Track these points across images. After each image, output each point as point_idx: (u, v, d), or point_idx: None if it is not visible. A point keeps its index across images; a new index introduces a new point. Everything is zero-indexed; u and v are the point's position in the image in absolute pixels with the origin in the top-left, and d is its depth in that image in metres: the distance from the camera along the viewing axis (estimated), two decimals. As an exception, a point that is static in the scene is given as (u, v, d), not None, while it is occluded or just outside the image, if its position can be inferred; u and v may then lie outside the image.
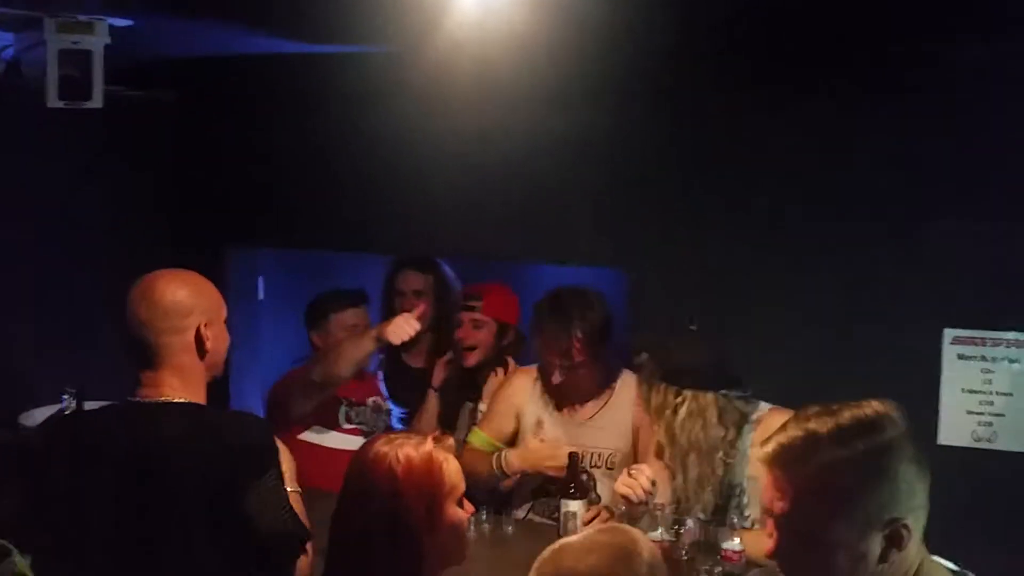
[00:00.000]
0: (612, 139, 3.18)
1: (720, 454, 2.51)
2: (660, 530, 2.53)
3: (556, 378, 2.88)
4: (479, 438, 3.07)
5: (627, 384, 2.97)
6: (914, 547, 1.37)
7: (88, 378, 2.93)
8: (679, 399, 2.49)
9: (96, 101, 2.71)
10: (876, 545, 1.35)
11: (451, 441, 1.81)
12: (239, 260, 4.01)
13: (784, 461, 1.39)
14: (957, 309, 2.87)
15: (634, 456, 2.93)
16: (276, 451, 1.90)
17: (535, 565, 1.44)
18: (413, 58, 2.82)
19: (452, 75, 2.96)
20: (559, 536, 2.61)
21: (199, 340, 1.91)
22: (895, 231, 2.91)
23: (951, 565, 1.46)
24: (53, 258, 3.39)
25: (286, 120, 3.58)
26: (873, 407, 1.40)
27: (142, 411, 1.87)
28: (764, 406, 2.57)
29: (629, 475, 2.55)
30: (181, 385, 1.89)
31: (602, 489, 2.92)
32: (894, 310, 2.89)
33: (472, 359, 3.29)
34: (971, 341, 2.87)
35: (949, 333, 2.88)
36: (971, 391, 2.88)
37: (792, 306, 3.02)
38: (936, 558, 1.44)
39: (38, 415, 2.96)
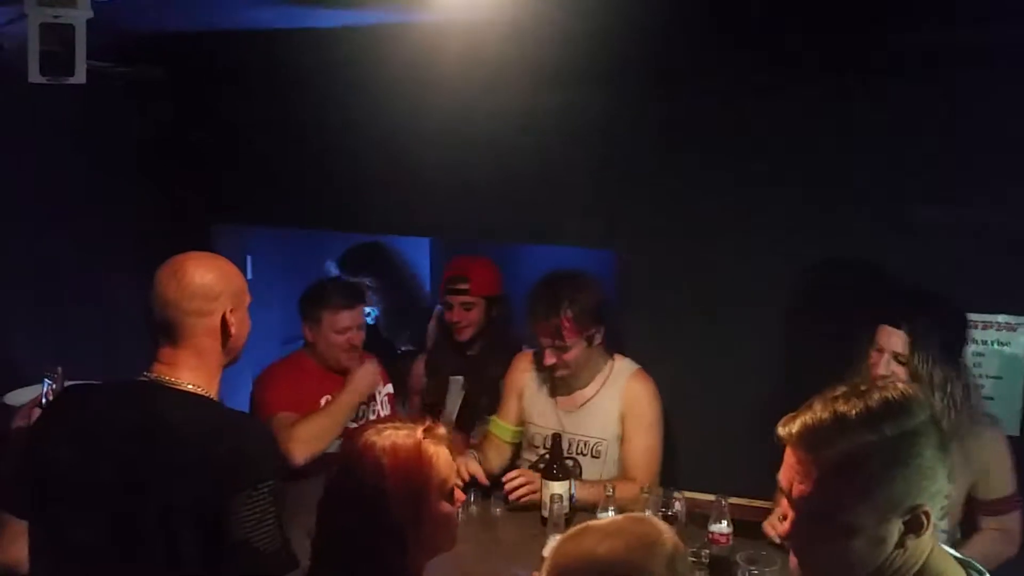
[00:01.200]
0: (603, 119, 3.15)
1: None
2: (648, 512, 2.53)
3: (548, 358, 2.88)
4: (498, 427, 3.10)
5: (619, 371, 2.98)
6: (928, 533, 1.36)
7: (76, 357, 2.90)
8: (955, 371, 2.45)
9: (79, 77, 2.64)
10: (895, 531, 1.33)
11: (442, 430, 1.76)
12: (227, 238, 3.98)
13: (809, 442, 1.36)
14: (949, 292, 2.86)
15: (620, 445, 2.94)
16: (272, 465, 1.82)
17: (556, 544, 1.41)
18: (402, 34, 2.78)
19: (442, 53, 2.93)
20: (543, 518, 2.66)
21: (224, 325, 1.92)
22: (885, 215, 2.90)
23: (955, 553, 1.44)
24: (38, 237, 3.35)
25: (273, 98, 3.55)
26: (900, 389, 1.38)
27: (153, 392, 1.86)
28: None
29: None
30: (197, 365, 1.90)
31: (588, 475, 2.93)
32: (885, 292, 2.87)
33: (466, 334, 3.39)
34: (987, 326, 2.85)
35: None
36: (986, 376, 2.87)
37: (784, 290, 3.02)
38: (942, 546, 1.43)
39: (23, 395, 2.93)
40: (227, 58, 3.50)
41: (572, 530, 1.43)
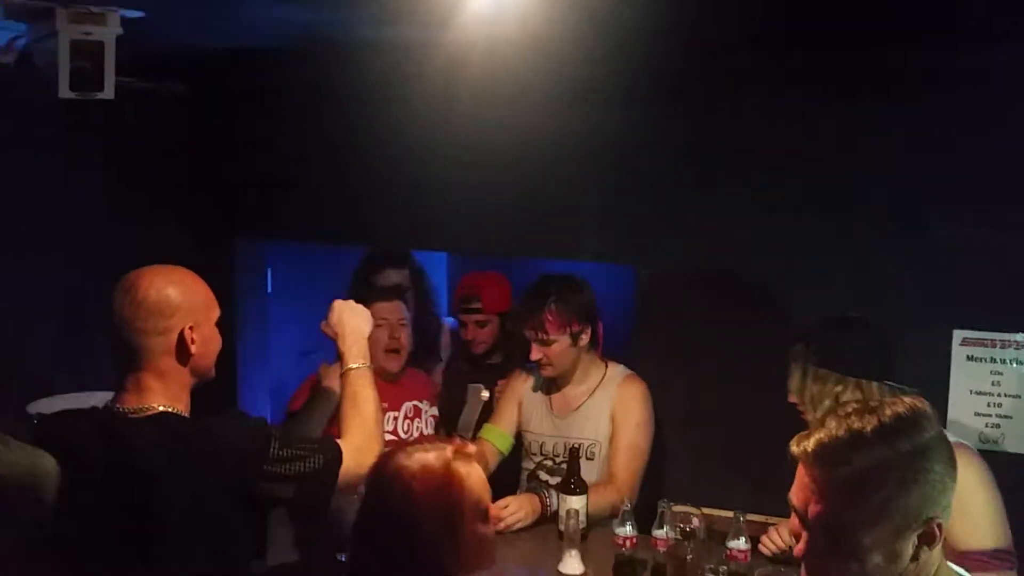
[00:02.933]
0: (622, 136, 3.18)
1: None
2: (665, 528, 2.54)
3: (534, 353, 2.94)
4: (492, 433, 3.12)
5: (611, 376, 3.03)
6: (939, 547, 1.36)
7: (97, 370, 2.94)
8: (839, 387, 2.27)
9: (107, 92, 2.69)
10: (910, 545, 1.34)
11: (472, 448, 1.72)
12: (248, 253, 4.02)
13: (825, 459, 1.35)
14: (967, 310, 2.86)
15: (610, 446, 2.96)
16: (264, 433, 1.86)
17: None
18: (424, 53, 2.81)
19: (463, 71, 2.95)
20: (560, 532, 2.66)
21: (182, 343, 1.80)
22: (904, 231, 2.91)
23: (961, 571, 1.45)
24: (63, 249, 3.40)
25: (295, 113, 3.59)
26: (909, 404, 1.38)
27: (122, 424, 1.78)
28: None
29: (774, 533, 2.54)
30: (163, 390, 1.80)
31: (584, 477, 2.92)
32: (903, 311, 2.88)
33: (481, 349, 3.48)
34: (980, 343, 2.86)
35: (958, 334, 2.88)
36: (979, 393, 2.87)
37: (800, 306, 3.01)
38: (949, 564, 1.43)
39: (44, 405, 2.97)
40: (250, 75, 3.54)
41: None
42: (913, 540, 1.34)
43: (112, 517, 1.75)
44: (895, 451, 1.33)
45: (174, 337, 1.80)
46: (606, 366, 3.06)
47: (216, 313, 1.90)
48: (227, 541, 1.84)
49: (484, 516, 1.67)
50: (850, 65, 2.85)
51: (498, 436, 3.11)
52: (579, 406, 3.02)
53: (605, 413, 2.99)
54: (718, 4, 2.37)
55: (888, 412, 1.36)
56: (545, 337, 2.91)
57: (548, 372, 2.99)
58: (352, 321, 2.29)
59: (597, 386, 3.02)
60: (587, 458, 2.98)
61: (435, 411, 3.28)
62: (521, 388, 3.15)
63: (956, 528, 2.05)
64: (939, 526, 1.34)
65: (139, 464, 1.75)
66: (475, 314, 3.45)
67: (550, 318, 2.90)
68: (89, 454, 1.77)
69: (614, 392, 3.00)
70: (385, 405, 3.12)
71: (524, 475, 3.10)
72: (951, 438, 2.17)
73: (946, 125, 2.82)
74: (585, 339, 2.97)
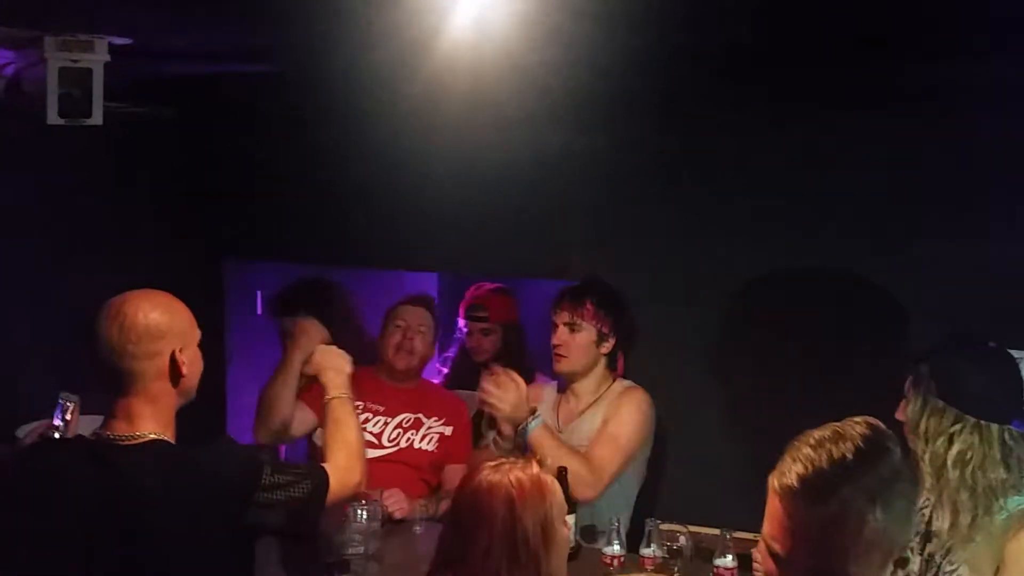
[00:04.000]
0: (608, 155, 3.20)
1: (1000, 500, 2.00)
2: (653, 546, 2.55)
3: (558, 336, 2.94)
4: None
5: (614, 389, 3.03)
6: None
7: (89, 392, 2.94)
8: (956, 426, 2.04)
9: (96, 119, 2.71)
10: (887, 570, 1.31)
11: (549, 462, 1.95)
12: (237, 275, 4.03)
13: (810, 495, 1.30)
14: (965, 327, 2.81)
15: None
16: (257, 462, 1.88)
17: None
18: (407, 76, 2.84)
19: (446, 94, 2.98)
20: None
21: (174, 366, 1.82)
22: (901, 244, 2.89)
23: None
24: (53, 274, 3.41)
25: (284, 136, 3.61)
26: (865, 422, 1.35)
27: (113, 452, 1.78)
28: None
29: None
30: (153, 415, 1.81)
31: None
32: (899, 324, 2.88)
33: (482, 357, 3.56)
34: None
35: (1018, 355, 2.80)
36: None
37: (796, 320, 3.02)
38: None
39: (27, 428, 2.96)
40: (237, 98, 3.57)
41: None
42: (890, 567, 1.32)
43: (102, 545, 1.75)
44: (878, 476, 1.29)
45: (165, 360, 1.82)
46: (613, 380, 3.06)
47: (198, 335, 1.92)
48: (218, 570, 1.84)
49: (564, 520, 1.87)
50: (844, 77, 2.85)
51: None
52: (580, 413, 3.02)
53: (597, 419, 2.98)
54: (700, 22, 2.39)
55: (855, 434, 1.33)
56: (578, 321, 2.93)
57: (562, 365, 2.97)
58: (332, 361, 2.46)
59: (599, 397, 3.03)
60: None
61: (447, 430, 3.22)
62: (539, 395, 3.11)
63: None
64: (911, 548, 1.34)
65: (131, 492, 1.75)
66: (481, 322, 3.54)
67: (589, 307, 2.94)
68: (80, 482, 1.77)
69: (613, 400, 3.00)
70: (382, 408, 3.19)
71: None
72: None
73: (949, 134, 2.79)
74: (607, 348, 2.98)
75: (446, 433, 3.23)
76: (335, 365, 2.43)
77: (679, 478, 3.15)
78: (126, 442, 1.79)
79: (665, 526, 2.59)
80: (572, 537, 2.64)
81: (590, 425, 2.99)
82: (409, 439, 3.19)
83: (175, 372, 1.83)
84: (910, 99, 2.83)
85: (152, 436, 1.81)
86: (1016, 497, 2.01)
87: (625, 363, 3.14)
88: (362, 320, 3.70)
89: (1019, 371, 2.12)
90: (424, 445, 3.20)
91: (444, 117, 3.21)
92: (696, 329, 3.19)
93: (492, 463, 1.87)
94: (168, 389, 1.84)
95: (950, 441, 2.04)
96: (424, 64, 2.71)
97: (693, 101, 3.06)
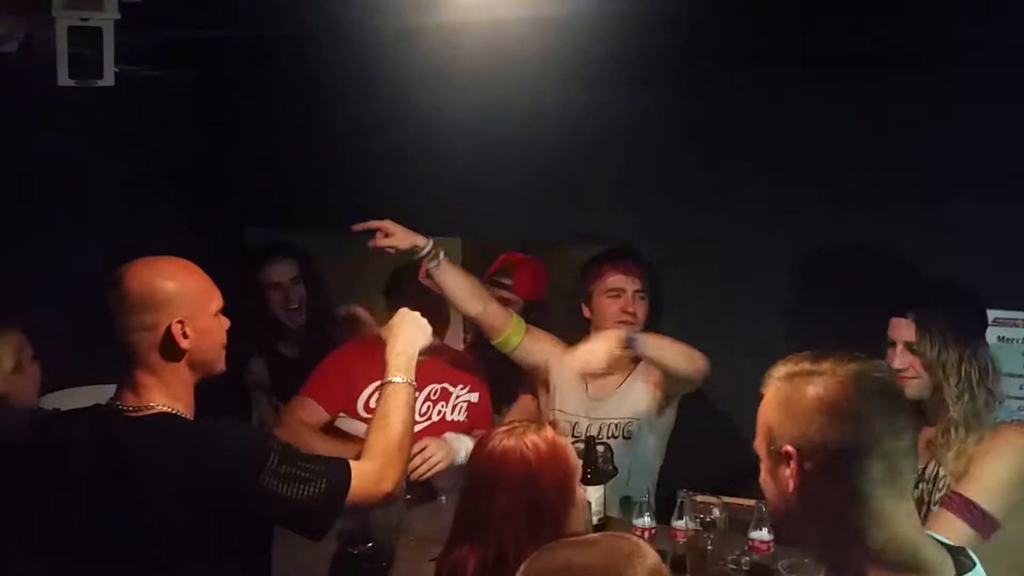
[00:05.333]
0: (632, 116, 3.11)
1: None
2: (685, 518, 2.47)
3: (628, 304, 2.89)
4: (516, 318, 2.98)
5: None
6: None
7: (108, 363, 2.91)
8: (968, 350, 2.27)
9: (108, 80, 2.64)
10: None
11: (563, 425, 2.03)
12: (260, 241, 3.97)
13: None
14: (999, 290, 2.75)
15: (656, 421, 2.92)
16: (265, 445, 1.74)
17: (531, 556, 1.36)
18: (429, 31, 2.76)
19: (465, 53, 2.90)
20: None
21: (169, 339, 1.71)
22: (932, 209, 2.81)
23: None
24: (68, 241, 3.37)
25: (302, 101, 3.54)
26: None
27: (120, 422, 1.73)
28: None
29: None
30: (160, 387, 1.73)
31: (620, 458, 2.90)
32: (933, 290, 2.78)
33: None
34: (1012, 323, 2.78)
35: (990, 314, 2.77)
36: (1011, 375, 2.77)
37: (821, 287, 2.94)
38: None
39: (56, 399, 2.94)
40: (254, 61, 3.50)
41: (548, 545, 1.39)
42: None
43: (105, 515, 1.72)
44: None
45: (160, 333, 1.72)
46: None
47: (216, 304, 1.81)
48: (216, 549, 1.74)
49: (578, 482, 1.87)
50: (869, 41, 2.76)
51: (518, 325, 2.95)
52: (618, 386, 2.98)
53: (644, 388, 2.93)
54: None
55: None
56: (640, 288, 2.91)
57: (631, 331, 2.84)
58: (408, 332, 2.14)
59: (635, 367, 2.97)
60: (624, 437, 2.93)
61: (474, 396, 3.12)
62: (560, 357, 2.97)
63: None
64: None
65: (131, 463, 1.70)
66: (502, 290, 3.28)
67: (634, 266, 2.92)
68: (89, 451, 1.74)
69: (649, 367, 2.91)
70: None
71: None
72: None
73: (967, 99, 2.71)
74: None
75: (473, 400, 3.14)
76: (410, 336, 2.13)
77: (712, 448, 3.06)
78: (132, 413, 1.74)
79: (699, 498, 2.51)
80: (598, 510, 2.59)
81: (636, 396, 2.94)
82: (440, 411, 3.09)
83: (172, 346, 1.73)
84: (946, 56, 2.70)
85: (161, 408, 1.73)
86: (993, 413, 2.27)
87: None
88: None
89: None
90: (455, 416, 3.11)
91: (465, 77, 3.13)
92: (726, 295, 3.11)
93: (505, 427, 1.85)
94: (167, 363, 1.74)
95: (968, 364, 2.24)
96: (443, 21, 2.63)
97: (724, 61, 2.95)
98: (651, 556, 1.34)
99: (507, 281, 3.32)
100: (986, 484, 2.18)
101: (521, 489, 1.76)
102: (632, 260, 2.95)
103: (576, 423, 2.94)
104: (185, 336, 1.73)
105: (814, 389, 1.34)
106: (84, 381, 3.00)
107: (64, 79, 2.57)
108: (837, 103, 2.88)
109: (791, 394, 1.36)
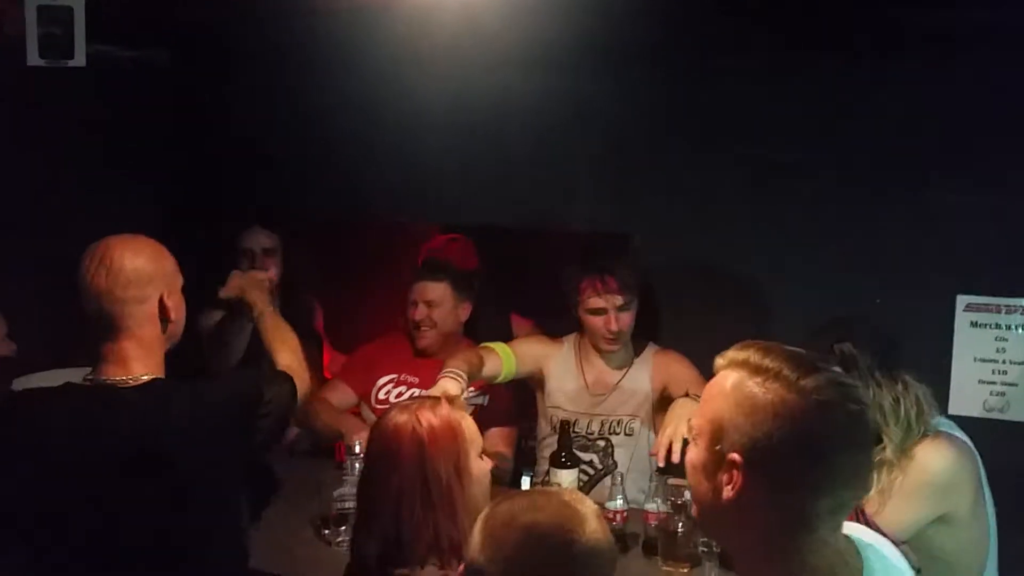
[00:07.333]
0: (607, 99, 3.09)
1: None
2: (657, 501, 2.48)
3: (613, 322, 2.80)
4: (503, 349, 2.91)
5: (645, 352, 2.96)
6: None
7: (76, 346, 2.88)
8: (899, 386, 2.14)
9: (79, 60, 2.62)
10: None
11: (462, 400, 2.01)
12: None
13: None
14: (971, 275, 2.79)
15: (652, 419, 2.89)
16: (256, 381, 1.93)
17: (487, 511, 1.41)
18: (403, 16, 2.73)
19: (437, 31, 2.87)
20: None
21: (163, 310, 1.83)
22: (907, 195, 2.83)
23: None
24: (40, 226, 3.32)
25: (274, 83, 3.50)
26: None
27: (114, 394, 1.78)
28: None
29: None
30: (145, 356, 1.82)
31: (620, 455, 2.90)
32: (905, 276, 2.81)
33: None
34: (985, 308, 2.79)
35: (962, 300, 2.80)
36: (984, 360, 2.80)
37: (799, 272, 2.95)
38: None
39: (25, 382, 2.92)
40: (231, 43, 3.46)
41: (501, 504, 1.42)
42: None
43: (120, 488, 1.74)
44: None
45: (154, 304, 1.83)
46: (640, 342, 2.98)
47: (181, 280, 1.92)
48: (234, 496, 1.90)
49: (479, 455, 1.87)
50: (847, 25, 2.76)
51: (507, 357, 2.87)
52: (617, 382, 2.93)
53: (645, 386, 2.90)
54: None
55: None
56: (627, 300, 2.80)
57: (616, 347, 2.86)
58: (252, 282, 2.50)
59: (632, 362, 2.94)
60: (626, 434, 2.90)
61: (482, 400, 3.09)
62: (545, 353, 2.98)
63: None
64: None
65: (144, 431, 1.76)
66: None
67: (625, 280, 2.80)
68: (90, 428, 1.76)
69: (651, 363, 2.91)
70: (416, 380, 3.14)
71: (545, 452, 2.95)
72: (946, 429, 2.18)
73: (947, 85, 2.73)
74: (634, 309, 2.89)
75: (482, 404, 3.11)
76: (254, 284, 2.49)
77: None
78: (126, 384, 1.79)
79: (671, 480, 2.52)
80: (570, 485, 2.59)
81: (635, 393, 2.90)
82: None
83: (164, 316, 1.84)
84: (918, 43, 2.73)
85: (148, 376, 1.82)
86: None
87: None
88: None
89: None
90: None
91: (440, 65, 3.11)
92: (703, 278, 3.10)
93: (402, 404, 1.88)
94: (157, 333, 1.85)
95: (898, 401, 2.11)
96: (416, 6, 2.61)
97: (698, 46, 2.95)
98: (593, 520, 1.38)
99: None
100: (895, 508, 2.09)
101: (415, 465, 1.76)
102: (609, 275, 2.80)
103: (576, 420, 2.89)
104: (170, 308, 1.85)
105: (786, 409, 1.19)
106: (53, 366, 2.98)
107: (34, 59, 2.55)
108: (821, 86, 2.87)
109: (757, 400, 1.21)
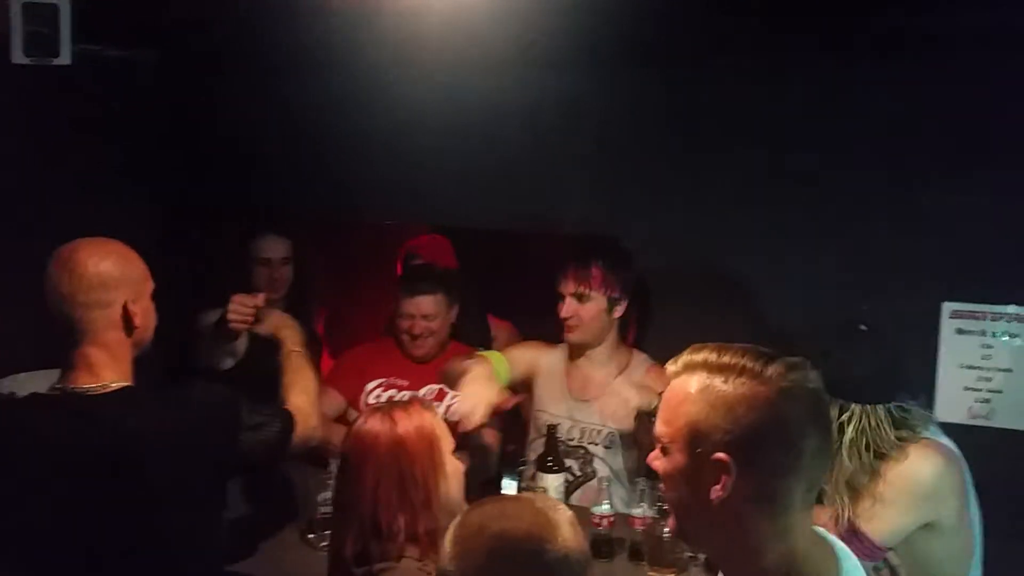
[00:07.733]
0: (600, 102, 3.09)
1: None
2: (644, 505, 2.48)
3: (567, 308, 2.79)
4: (496, 357, 2.93)
5: (636, 363, 2.93)
6: None
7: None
8: (845, 415, 2.12)
9: (64, 58, 2.60)
10: None
11: (432, 403, 2.07)
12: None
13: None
14: (957, 282, 2.80)
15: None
16: (235, 400, 1.90)
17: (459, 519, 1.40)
18: (392, 15, 2.72)
19: (433, 34, 2.85)
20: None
21: (126, 317, 1.80)
22: (893, 200, 2.83)
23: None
24: (27, 226, 3.29)
25: (265, 83, 3.47)
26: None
27: (84, 403, 1.75)
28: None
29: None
30: (112, 364, 1.79)
31: (599, 465, 2.88)
32: (891, 282, 2.81)
33: None
34: (971, 315, 2.80)
35: (948, 307, 2.81)
36: (969, 367, 2.81)
37: (787, 276, 2.96)
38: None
39: (9, 384, 2.89)
40: (220, 42, 3.43)
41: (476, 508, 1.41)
42: None
43: (93, 498, 1.73)
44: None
45: (118, 310, 1.79)
46: (631, 352, 2.95)
47: (152, 286, 1.89)
48: (209, 508, 1.88)
49: (452, 449, 1.93)
50: (839, 28, 2.76)
51: (500, 364, 2.86)
52: (601, 393, 2.90)
53: (631, 398, 2.84)
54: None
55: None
56: (585, 291, 2.77)
57: (575, 336, 2.83)
58: (286, 320, 2.47)
59: (620, 372, 2.90)
60: (605, 446, 2.87)
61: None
62: (539, 357, 2.99)
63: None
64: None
65: (115, 440, 1.73)
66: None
67: (595, 273, 2.78)
68: (61, 438, 1.74)
69: (641, 379, 2.86)
70: (406, 383, 3.16)
71: (532, 456, 2.93)
72: (933, 438, 2.19)
73: (936, 89, 2.74)
74: (619, 312, 2.85)
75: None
76: (289, 323, 2.46)
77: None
78: (95, 392, 1.76)
79: (659, 485, 2.51)
80: (560, 499, 2.59)
81: (620, 405, 2.86)
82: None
83: (128, 323, 1.81)
84: (915, 46, 2.73)
85: (117, 384, 1.79)
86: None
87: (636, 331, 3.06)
88: None
89: (893, 349, 2.23)
90: (449, 416, 3.10)
91: (432, 63, 3.08)
92: (692, 280, 3.09)
93: (375, 406, 1.94)
94: (122, 339, 1.81)
95: (841, 430, 2.10)
96: (407, 6, 2.59)
97: (695, 46, 2.92)
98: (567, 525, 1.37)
99: (418, 259, 3.50)
100: (882, 515, 2.10)
101: (390, 462, 1.80)
102: (586, 266, 2.80)
103: (559, 424, 2.86)
104: (134, 315, 1.81)
105: (759, 400, 1.22)
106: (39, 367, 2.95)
107: (19, 57, 2.53)
108: (812, 89, 2.87)
109: (730, 398, 1.23)
